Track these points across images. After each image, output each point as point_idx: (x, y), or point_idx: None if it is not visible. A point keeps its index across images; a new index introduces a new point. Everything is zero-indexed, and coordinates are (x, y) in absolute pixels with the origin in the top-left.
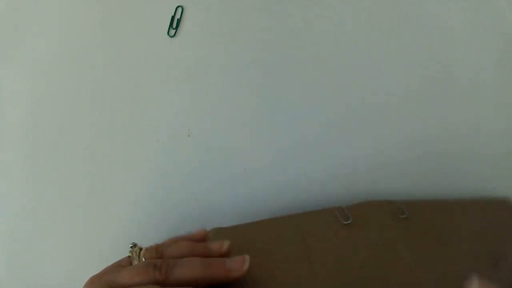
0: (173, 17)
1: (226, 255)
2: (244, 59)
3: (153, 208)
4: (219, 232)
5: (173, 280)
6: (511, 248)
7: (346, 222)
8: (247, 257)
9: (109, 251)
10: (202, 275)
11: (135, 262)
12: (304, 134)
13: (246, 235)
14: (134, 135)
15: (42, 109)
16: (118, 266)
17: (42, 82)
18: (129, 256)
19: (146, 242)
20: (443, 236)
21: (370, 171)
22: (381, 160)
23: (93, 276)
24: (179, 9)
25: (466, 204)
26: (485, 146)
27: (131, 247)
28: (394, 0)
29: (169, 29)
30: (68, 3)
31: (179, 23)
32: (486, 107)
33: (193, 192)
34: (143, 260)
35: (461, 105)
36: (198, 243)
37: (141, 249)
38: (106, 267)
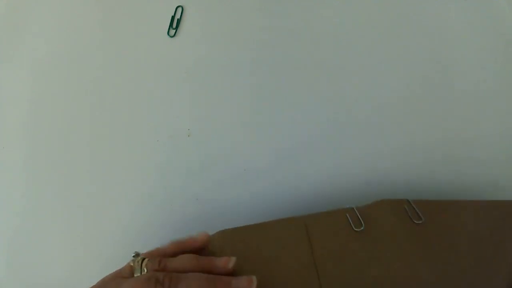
0: (173, 17)
1: (232, 272)
2: (244, 59)
3: (153, 208)
4: (224, 236)
5: None
6: None
7: (358, 230)
8: (254, 279)
9: (109, 251)
10: None
11: (137, 274)
12: (304, 134)
13: (251, 239)
14: (134, 135)
15: (42, 109)
16: (118, 277)
17: (42, 82)
18: (130, 265)
19: (146, 242)
20: (458, 243)
21: (372, 171)
22: (383, 160)
23: (93, 286)
24: (179, 9)
25: (477, 206)
26: (485, 148)
27: (134, 256)
28: (394, 0)
29: (169, 29)
30: (68, 3)
31: (179, 23)
32: (486, 108)
33: (193, 191)
34: (145, 271)
35: (461, 105)
36: (204, 258)
37: (143, 259)
38: (106, 277)
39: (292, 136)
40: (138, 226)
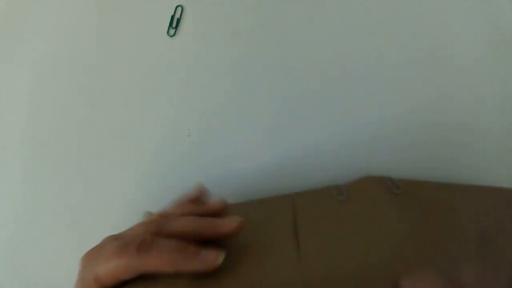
0: (172, 17)
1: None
2: (244, 59)
3: (152, 208)
4: None
5: (166, 230)
6: (502, 233)
7: (340, 199)
8: (222, 253)
9: None
10: (172, 260)
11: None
12: (307, 139)
13: (238, 210)
14: (134, 135)
15: (42, 109)
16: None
17: (42, 82)
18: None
19: None
20: (436, 215)
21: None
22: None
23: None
24: (179, 9)
25: (466, 188)
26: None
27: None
28: None
29: (169, 28)
30: (68, 3)
31: (179, 23)
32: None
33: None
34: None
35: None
36: (205, 221)
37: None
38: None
39: (295, 137)
40: None
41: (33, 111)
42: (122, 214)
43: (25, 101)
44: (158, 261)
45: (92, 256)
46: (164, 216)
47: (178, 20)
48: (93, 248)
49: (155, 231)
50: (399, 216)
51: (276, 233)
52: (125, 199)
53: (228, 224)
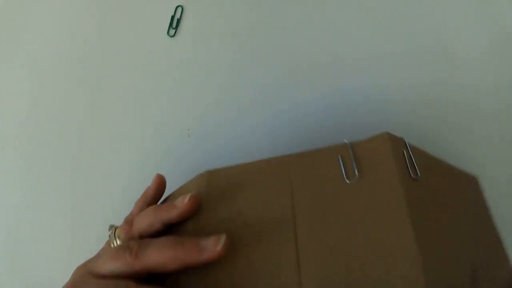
0: (173, 17)
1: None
2: (244, 59)
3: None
4: (209, 173)
5: (144, 262)
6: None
7: (349, 181)
8: (222, 238)
9: None
10: (172, 256)
11: (113, 244)
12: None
13: (233, 178)
14: (134, 135)
15: (41, 109)
16: (100, 254)
17: (42, 82)
18: (108, 240)
19: None
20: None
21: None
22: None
23: (80, 264)
24: (179, 9)
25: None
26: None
27: (109, 229)
28: None
29: (169, 29)
30: (68, 3)
31: (179, 23)
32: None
33: None
34: (118, 241)
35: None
36: (161, 207)
37: (116, 228)
38: (78, 268)
39: (297, 139)
40: None
41: (33, 111)
42: (122, 214)
43: (25, 101)
44: (159, 258)
45: (82, 267)
46: (136, 241)
47: (178, 21)
48: (81, 264)
49: (131, 262)
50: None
51: (271, 213)
52: (124, 199)
53: (212, 248)
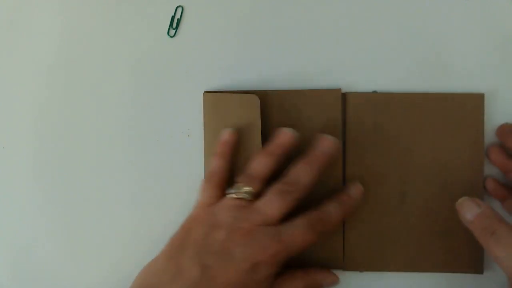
0: (173, 17)
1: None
2: (244, 59)
3: (152, 208)
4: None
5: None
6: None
7: None
8: (358, 185)
9: (109, 251)
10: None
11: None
12: None
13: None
14: (134, 134)
15: (41, 109)
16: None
17: (42, 82)
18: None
19: (145, 241)
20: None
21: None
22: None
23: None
24: (179, 9)
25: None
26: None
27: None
28: None
29: (169, 29)
30: (68, 3)
31: (179, 23)
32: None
33: (193, 191)
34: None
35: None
36: (313, 162)
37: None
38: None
39: None
40: (138, 226)
41: (32, 111)
42: (121, 214)
43: (25, 101)
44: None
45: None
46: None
47: (179, 21)
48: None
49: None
50: None
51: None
52: (124, 198)
53: (358, 195)
